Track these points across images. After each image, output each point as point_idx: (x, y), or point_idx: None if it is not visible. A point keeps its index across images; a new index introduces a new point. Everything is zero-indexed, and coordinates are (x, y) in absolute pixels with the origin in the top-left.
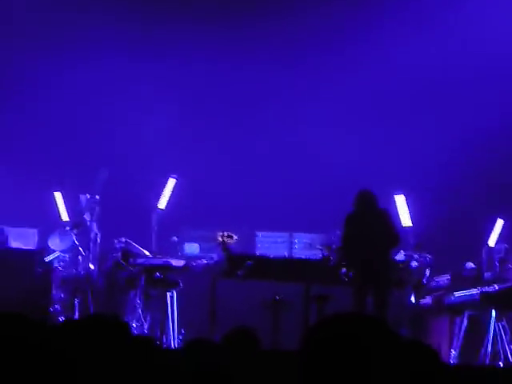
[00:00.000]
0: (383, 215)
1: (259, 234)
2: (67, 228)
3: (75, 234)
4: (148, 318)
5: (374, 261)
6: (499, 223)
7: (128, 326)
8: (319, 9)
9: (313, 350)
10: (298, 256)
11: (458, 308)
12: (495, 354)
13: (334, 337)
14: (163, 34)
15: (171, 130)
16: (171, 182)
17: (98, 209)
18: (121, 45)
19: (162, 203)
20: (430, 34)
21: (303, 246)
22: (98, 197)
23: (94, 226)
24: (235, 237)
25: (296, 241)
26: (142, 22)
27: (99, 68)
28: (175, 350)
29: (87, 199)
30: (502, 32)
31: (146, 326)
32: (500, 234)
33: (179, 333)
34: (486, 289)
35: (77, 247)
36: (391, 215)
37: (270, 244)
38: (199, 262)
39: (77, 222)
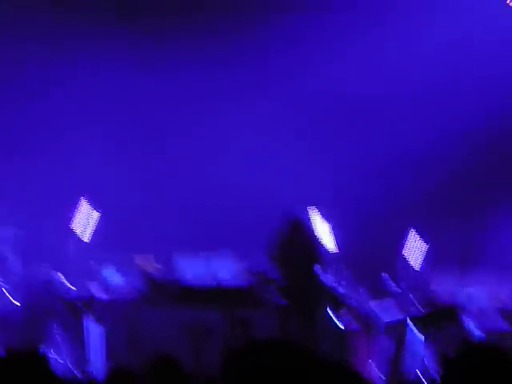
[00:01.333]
0: (308, 238)
1: (180, 257)
2: None
3: None
4: (70, 349)
5: (300, 284)
6: (412, 234)
7: (46, 360)
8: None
9: (232, 379)
10: (220, 281)
11: (378, 324)
12: (422, 372)
13: (253, 366)
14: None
15: (83, 149)
16: (84, 206)
17: (14, 238)
18: None
19: (77, 227)
20: (361, 47)
21: (226, 268)
22: (13, 227)
23: (12, 256)
24: (155, 262)
25: (219, 265)
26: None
27: None
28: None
29: (1, 230)
30: (432, 49)
31: (64, 356)
32: (417, 245)
33: (101, 362)
34: (406, 304)
35: None
36: (314, 236)
37: (192, 267)
38: (119, 289)
39: None
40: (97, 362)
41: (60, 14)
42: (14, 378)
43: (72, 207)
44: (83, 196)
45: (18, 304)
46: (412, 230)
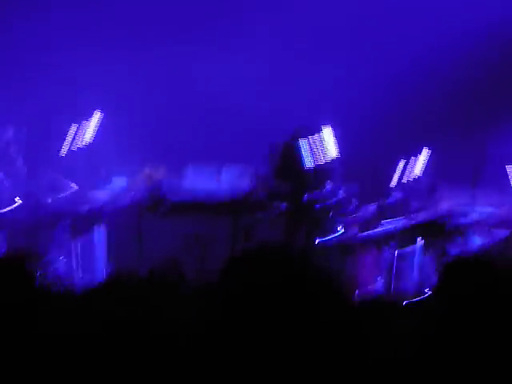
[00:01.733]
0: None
1: (187, 166)
2: None
3: None
4: (75, 254)
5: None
6: (424, 152)
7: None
8: None
9: (230, 284)
10: (225, 188)
11: (386, 239)
12: (422, 283)
13: (251, 271)
14: None
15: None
16: (96, 116)
17: (22, 140)
18: None
19: (88, 136)
20: None
21: (231, 177)
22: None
23: (19, 159)
24: (162, 170)
25: (224, 172)
26: None
27: None
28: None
29: (13, 132)
30: None
31: (73, 262)
32: (426, 163)
33: (107, 267)
34: (413, 219)
35: None
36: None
37: (199, 176)
38: (126, 195)
39: None
40: (102, 265)
41: None
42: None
43: (83, 116)
44: (97, 109)
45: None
46: (425, 147)
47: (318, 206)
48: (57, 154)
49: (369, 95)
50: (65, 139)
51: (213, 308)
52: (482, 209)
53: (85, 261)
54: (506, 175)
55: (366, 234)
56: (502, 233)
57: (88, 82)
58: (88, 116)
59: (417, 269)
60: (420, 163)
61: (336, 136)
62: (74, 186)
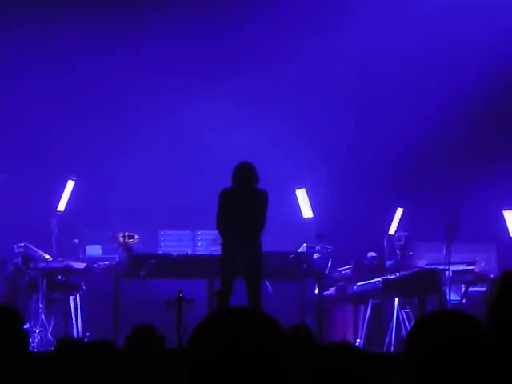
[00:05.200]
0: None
1: (162, 232)
2: None
3: None
4: (51, 323)
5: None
6: (399, 212)
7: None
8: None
9: (197, 348)
10: (201, 253)
11: (362, 297)
12: (399, 341)
13: (219, 336)
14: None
15: (67, 130)
16: (70, 184)
17: None
18: None
19: (61, 206)
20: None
21: (207, 242)
22: None
23: None
24: (137, 237)
25: (199, 238)
26: None
27: None
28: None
29: None
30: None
31: (49, 331)
32: (400, 223)
33: (84, 336)
34: (388, 277)
35: None
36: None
37: (174, 242)
38: (101, 263)
39: None
40: (78, 334)
41: None
42: None
43: (57, 188)
44: (71, 177)
45: None
46: (399, 207)
47: (294, 266)
48: (29, 226)
49: (343, 155)
50: (39, 208)
51: (183, 373)
52: (457, 266)
53: (61, 331)
54: (480, 233)
55: (341, 293)
56: (477, 290)
57: (60, 150)
58: (61, 184)
59: (393, 325)
60: (394, 223)
61: (310, 197)
62: (48, 256)
